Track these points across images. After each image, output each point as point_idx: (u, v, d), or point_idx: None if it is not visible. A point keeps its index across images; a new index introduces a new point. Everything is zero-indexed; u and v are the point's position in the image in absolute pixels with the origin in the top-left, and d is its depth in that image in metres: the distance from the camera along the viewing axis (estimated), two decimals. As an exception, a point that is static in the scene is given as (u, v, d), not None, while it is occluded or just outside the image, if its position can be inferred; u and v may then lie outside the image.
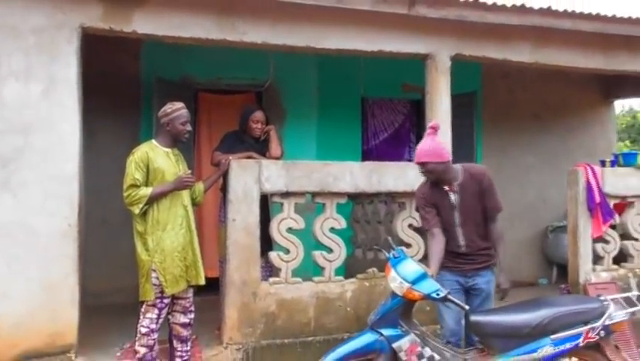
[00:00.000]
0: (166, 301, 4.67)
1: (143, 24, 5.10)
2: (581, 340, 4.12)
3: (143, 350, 4.65)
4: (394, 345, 4.12)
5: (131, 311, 6.08)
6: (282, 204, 5.51)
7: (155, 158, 4.66)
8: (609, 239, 6.79)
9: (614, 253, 6.83)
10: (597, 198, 6.55)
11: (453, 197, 4.52)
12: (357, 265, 6.36)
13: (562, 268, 7.20)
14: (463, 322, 4.48)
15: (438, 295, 4.06)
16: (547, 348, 4.11)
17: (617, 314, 4.17)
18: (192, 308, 4.87)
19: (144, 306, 4.67)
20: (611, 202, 6.73)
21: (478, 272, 4.54)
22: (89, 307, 5.57)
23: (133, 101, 7.39)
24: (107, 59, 6.82)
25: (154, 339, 4.67)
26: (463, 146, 7.74)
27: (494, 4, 5.88)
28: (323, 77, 8.13)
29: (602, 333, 4.14)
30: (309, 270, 5.71)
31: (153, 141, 4.81)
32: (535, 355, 4.11)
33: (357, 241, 7.23)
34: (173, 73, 7.31)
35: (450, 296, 4.07)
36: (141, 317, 4.67)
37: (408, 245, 5.88)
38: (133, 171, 4.59)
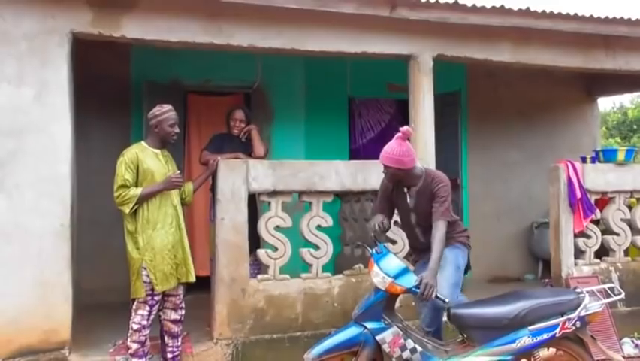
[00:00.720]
0: (157, 298, 4.81)
1: (132, 29, 5.23)
2: (557, 330, 4.25)
3: (135, 346, 4.80)
4: (378, 338, 4.25)
5: (123, 309, 6.20)
6: (269, 203, 5.65)
7: (145, 159, 4.80)
8: (591, 234, 6.93)
9: (596, 247, 6.98)
10: (578, 194, 6.69)
11: (409, 200, 4.75)
12: (345, 263, 6.48)
13: (547, 264, 7.32)
14: (443, 313, 4.65)
15: (414, 288, 4.21)
16: (525, 339, 4.23)
17: (592, 305, 4.31)
18: (182, 305, 5.02)
19: (135, 303, 4.81)
20: (592, 198, 6.86)
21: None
22: (81, 306, 5.69)
23: (123, 103, 7.51)
24: (97, 62, 6.92)
25: (145, 335, 4.82)
26: (448, 144, 7.90)
27: (475, 6, 5.99)
28: (310, 77, 8.25)
29: (578, 324, 4.28)
30: (296, 267, 5.85)
31: (143, 142, 4.96)
32: (513, 345, 4.23)
33: (346, 239, 7.35)
34: (162, 75, 7.42)
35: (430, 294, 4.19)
36: (133, 313, 4.82)
37: (393, 242, 6.02)
38: (123, 171, 4.73)
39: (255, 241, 5.71)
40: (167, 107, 4.96)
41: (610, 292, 4.63)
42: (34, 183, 4.92)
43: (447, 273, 4.61)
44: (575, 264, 6.78)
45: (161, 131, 4.92)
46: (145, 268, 4.74)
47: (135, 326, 4.78)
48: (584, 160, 7.29)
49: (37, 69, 4.96)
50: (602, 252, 7.12)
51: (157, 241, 4.77)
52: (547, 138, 9.43)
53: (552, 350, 4.59)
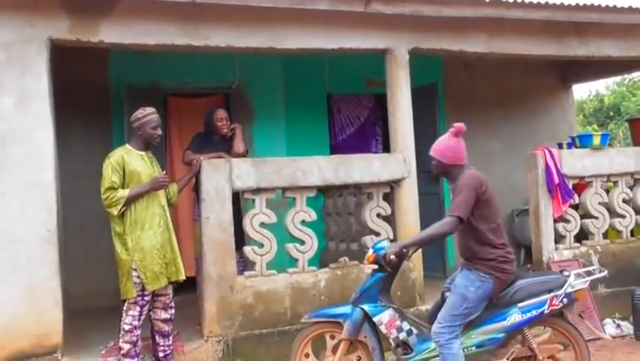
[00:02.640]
0: (147, 298, 4.88)
1: (110, 33, 5.27)
2: (545, 307, 4.43)
3: (127, 347, 4.87)
4: (375, 319, 4.49)
5: (111, 313, 6.30)
6: (253, 201, 5.73)
7: (131, 161, 4.88)
8: (570, 218, 7.06)
9: (575, 231, 7.10)
10: (556, 180, 6.81)
11: (452, 197, 4.61)
12: (330, 257, 6.59)
13: (529, 250, 7.43)
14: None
15: (380, 251, 4.47)
16: (515, 315, 4.42)
17: (576, 283, 4.51)
18: (172, 304, 5.10)
19: (126, 304, 4.88)
20: (570, 183, 6.99)
21: (462, 270, 4.61)
22: (71, 311, 5.73)
23: (103, 108, 7.55)
24: (76, 68, 6.93)
25: (137, 335, 4.89)
26: (427, 136, 7.98)
27: (448, -2, 6.12)
28: (288, 75, 8.34)
29: (565, 301, 4.47)
30: (283, 262, 5.93)
31: (127, 145, 5.04)
32: (505, 323, 4.42)
33: (330, 234, 7.46)
34: (142, 79, 7.47)
35: (389, 258, 4.37)
36: (124, 314, 4.88)
37: (377, 233, 6.11)
38: (110, 174, 4.80)
39: (241, 238, 5.78)
40: (149, 110, 5.03)
41: (592, 271, 4.80)
42: (19, 190, 4.96)
43: (448, 302, 4.45)
44: (556, 248, 6.91)
45: (144, 133, 4.99)
46: (135, 269, 4.80)
47: (127, 327, 4.84)
48: (560, 146, 7.42)
49: (17, 78, 5.00)
50: (582, 236, 7.26)
51: (146, 241, 4.84)
52: (525, 127, 9.57)
53: (546, 336, 4.74)
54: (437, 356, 4.41)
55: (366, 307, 4.54)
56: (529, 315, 4.43)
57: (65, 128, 6.30)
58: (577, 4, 6.63)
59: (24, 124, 5.00)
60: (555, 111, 10.03)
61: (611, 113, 21.61)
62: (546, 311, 4.45)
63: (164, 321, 5.05)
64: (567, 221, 7.06)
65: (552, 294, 4.45)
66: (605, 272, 4.79)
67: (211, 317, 5.48)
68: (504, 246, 4.45)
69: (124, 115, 7.13)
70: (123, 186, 4.85)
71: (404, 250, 4.43)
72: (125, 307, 4.89)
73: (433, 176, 4.94)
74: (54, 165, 5.12)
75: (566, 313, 4.62)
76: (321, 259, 6.67)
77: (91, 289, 6.97)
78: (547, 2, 6.49)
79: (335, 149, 8.74)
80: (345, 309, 4.63)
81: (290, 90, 8.39)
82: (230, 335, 5.51)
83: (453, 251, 8.64)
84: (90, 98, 7.34)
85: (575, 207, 7.20)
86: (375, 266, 4.65)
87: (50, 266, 5.04)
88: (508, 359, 4.48)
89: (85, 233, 7.08)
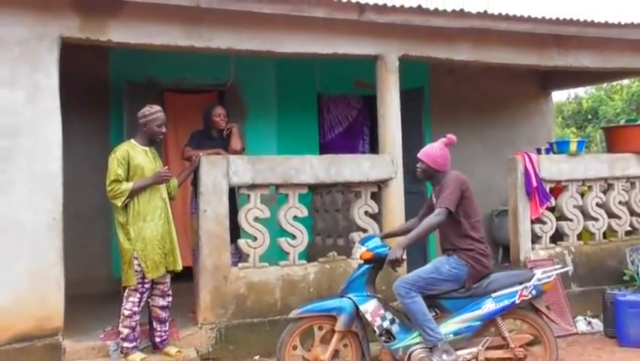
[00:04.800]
0: (147, 285, 5.16)
1: (117, 33, 5.52)
2: (517, 297, 4.86)
3: (126, 331, 5.16)
4: (361, 307, 4.85)
5: (105, 300, 6.59)
6: (248, 196, 6.02)
7: (135, 155, 5.16)
8: (546, 220, 7.37)
9: (551, 232, 7.42)
10: (534, 183, 7.12)
11: (434, 200, 5.11)
12: (317, 252, 6.86)
13: (507, 249, 7.70)
14: None
15: (385, 252, 4.90)
16: (489, 304, 4.84)
17: (543, 277, 4.96)
18: (170, 292, 5.39)
19: (127, 291, 5.16)
20: (547, 186, 7.31)
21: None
22: (66, 297, 5.93)
23: (102, 102, 7.80)
24: (77, 62, 7.11)
25: (136, 321, 5.18)
26: (412, 137, 8.29)
27: (437, 10, 6.37)
28: (281, 75, 8.62)
29: (534, 292, 4.91)
30: (274, 255, 6.22)
31: (132, 140, 5.31)
32: (480, 311, 4.83)
33: (317, 229, 7.74)
34: (139, 75, 7.71)
35: (401, 260, 4.77)
36: (124, 301, 5.17)
37: (364, 230, 6.42)
38: (115, 167, 5.08)
39: (236, 231, 6.06)
40: (156, 108, 5.31)
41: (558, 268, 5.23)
42: (27, 179, 5.19)
43: (422, 267, 5.00)
44: (532, 248, 7.22)
45: (149, 130, 5.27)
46: (136, 258, 5.09)
47: (127, 312, 5.13)
48: (539, 151, 7.73)
49: (29, 73, 5.23)
50: (557, 237, 7.58)
51: (147, 232, 5.12)
52: (505, 131, 9.90)
53: (524, 335, 5.10)
54: (418, 343, 4.80)
55: (353, 296, 4.90)
56: (501, 304, 4.84)
57: (64, 121, 6.52)
58: (557, 19, 6.92)
59: (34, 117, 5.23)
60: (535, 117, 10.39)
61: (589, 117, 21.87)
62: (517, 301, 4.87)
63: (162, 308, 5.34)
64: (543, 222, 7.36)
65: (522, 286, 4.88)
66: (569, 268, 5.23)
67: (205, 305, 5.77)
68: (482, 241, 4.96)
69: (123, 110, 7.39)
70: (127, 180, 5.13)
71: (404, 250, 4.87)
72: (125, 294, 5.17)
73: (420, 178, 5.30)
74: (61, 157, 5.35)
75: (535, 304, 5.01)
76: (309, 254, 6.97)
77: (85, 277, 7.20)
78: (529, 16, 6.79)
79: (324, 147, 9.03)
80: (337, 302, 4.94)
81: (282, 89, 8.68)
82: (223, 323, 5.79)
83: (434, 247, 8.99)
84: (90, 93, 7.56)
85: (552, 209, 7.49)
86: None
87: (54, 253, 5.28)
88: (482, 346, 4.86)
89: (80, 223, 7.27)
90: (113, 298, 6.24)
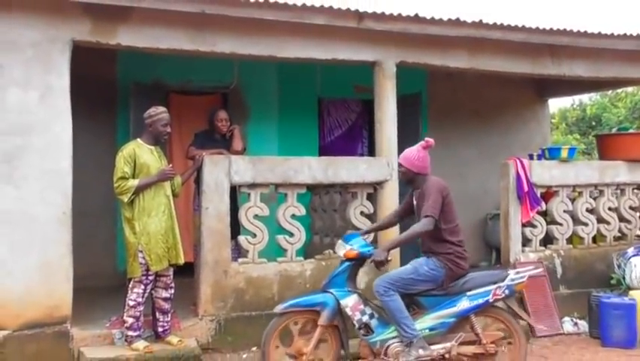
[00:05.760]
0: (151, 277, 5.43)
1: (126, 37, 5.78)
2: (490, 296, 5.12)
3: (130, 320, 5.43)
4: (342, 302, 5.10)
5: (109, 292, 6.83)
6: (249, 194, 6.28)
7: (141, 154, 5.43)
8: (536, 224, 7.60)
9: (541, 236, 7.65)
10: (525, 188, 7.35)
11: (414, 201, 5.37)
12: (315, 250, 7.09)
13: (500, 252, 7.87)
14: None
15: (369, 252, 5.17)
16: (464, 302, 5.10)
17: (516, 277, 5.22)
18: (172, 285, 5.65)
19: (132, 282, 5.43)
20: (539, 191, 7.54)
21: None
22: (73, 289, 6.19)
23: (109, 102, 8.04)
24: (86, 63, 7.33)
25: (140, 311, 5.45)
26: (409, 142, 8.49)
27: (433, 18, 6.57)
28: (283, 79, 8.85)
29: (507, 292, 5.18)
30: (273, 252, 6.48)
31: (139, 139, 5.58)
32: (455, 308, 5.08)
33: (315, 228, 7.96)
34: (146, 76, 7.94)
35: (375, 258, 5.04)
36: (129, 292, 5.44)
37: (360, 230, 6.62)
38: (122, 165, 5.35)
39: (236, 228, 6.32)
40: (161, 109, 5.58)
41: (530, 270, 5.50)
42: (39, 175, 5.45)
43: (402, 267, 5.29)
44: (523, 251, 7.46)
45: (154, 130, 5.54)
46: (141, 251, 5.35)
47: (131, 303, 5.40)
48: (531, 157, 7.98)
49: (41, 74, 5.49)
50: (547, 240, 7.81)
51: (151, 227, 5.39)
52: (501, 137, 10.06)
53: (496, 332, 5.38)
54: (395, 337, 5.06)
55: (334, 291, 5.16)
56: (476, 302, 5.10)
57: (73, 120, 6.75)
58: (551, 29, 7.12)
59: (46, 117, 5.49)
60: (531, 123, 10.56)
61: (593, 123, 21.79)
62: (491, 300, 5.14)
63: (165, 299, 5.60)
64: (534, 226, 7.59)
65: (496, 285, 5.14)
66: (541, 269, 5.46)
67: (206, 298, 6.03)
68: (461, 244, 5.21)
69: (129, 110, 7.63)
70: (133, 177, 5.40)
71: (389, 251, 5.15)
72: (130, 285, 5.45)
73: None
74: (71, 155, 5.61)
75: (507, 303, 5.29)
76: (307, 252, 7.19)
77: (90, 271, 7.40)
78: (524, 25, 6.97)
79: (324, 149, 9.25)
80: (321, 297, 5.20)
81: (283, 93, 8.90)
82: (222, 315, 6.05)
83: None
84: (97, 94, 7.77)
85: (543, 213, 7.72)
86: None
87: (64, 245, 5.54)
88: (456, 342, 5.10)
89: (86, 219, 7.43)
90: (117, 291, 6.51)
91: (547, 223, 7.74)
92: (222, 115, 6.84)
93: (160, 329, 5.64)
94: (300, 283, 6.32)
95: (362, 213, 6.71)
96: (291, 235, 6.42)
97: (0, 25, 5.42)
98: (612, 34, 7.48)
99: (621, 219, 8.13)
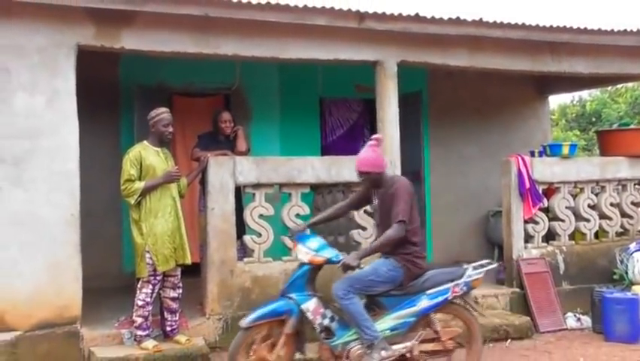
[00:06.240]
0: (158, 277, 5.50)
1: (130, 41, 5.85)
2: (449, 294, 5.12)
3: (139, 320, 5.50)
4: (302, 306, 4.97)
5: (116, 293, 6.89)
6: (253, 195, 6.36)
7: (147, 156, 5.51)
8: (538, 220, 7.64)
9: (543, 232, 7.70)
10: (527, 185, 7.41)
11: (375, 201, 5.33)
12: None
13: (502, 249, 7.93)
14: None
15: (337, 258, 5.05)
16: (424, 301, 5.08)
17: (473, 273, 5.22)
18: (180, 285, 5.72)
19: (140, 283, 5.51)
20: (540, 188, 7.59)
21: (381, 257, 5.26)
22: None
23: (112, 105, 8.10)
24: (90, 67, 7.40)
25: (149, 311, 5.53)
26: (411, 141, 8.60)
27: (434, 17, 6.63)
28: (284, 79, 8.90)
29: (465, 288, 5.19)
30: (278, 251, 6.56)
31: (145, 142, 5.66)
32: (415, 308, 5.06)
33: (319, 227, 8.01)
34: (149, 79, 7.99)
35: (347, 263, 4.90)
36: (138, 292, 5.52)
37: (363, 228, 6.74)
38: (128, 167, 5.44)
39: (241, 228, 6.39)
40: (162, 109, 5.66)
41: (485, 265, 5.43)
42: (47, 178, 5.54)
43: (361, 270, 5.05)
44: (525, 247, 7.51)
45: (157, 131, 5.62)
46: (148, 252, 5.43)
47: (140, 303, 5.48)
48: (532, 154, 8.01)
49: (48, 79, 5.59)
50: (550, 236, 7.86)
51: (158, 227, 5.47)
52: (502, 134, 10.07)
53: (454, 329, 5.38)
54: (356, 340, 4.97)
55: (294, 296, 5.01)
56: (435, 301, 5.09)
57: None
58: (551, 26, 7.16)
59: (53, 120, 5.58)
60: (531, 120, 10.57)
61: (593, 119, 21.66)
62: (449, 297, 5.14)
63: (173, 299, 5.67)
64: (536, 223, 7.63)
65: (454, 283, 5.14)
66: (495, 265, 5.52)
67: (213, 297, 6.11)
68: (418, 244, 5.16)
69: (133, 113, 7.70)
70: (140, 179, 5.47)
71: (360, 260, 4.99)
72: (139, 285, 5.53)
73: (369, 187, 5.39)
74: (78, 157, 5.69)
75: (465, 299, 5.30)
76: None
77: (96, 272, 7.45)
78: (523, 23, 7.03)
79: (325, 149, 9.31)
80: (285, 305, 5.00)
81: (285, 93, 8.96)
82: (229, 314, 6.12)
83: (432, 247, 9.30)
84: (101, 97, 7.81)
85: (545, 210, 7.76)
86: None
87: (72, 246, 5.64)
88: (417, 340, 5.08)
89: (91, 220, 7.47)
90: (123, 292, 6.59)
91: (550, 220, 7.78)
92: (226, 116, 6.92)
93: (168, 328, 5.71)
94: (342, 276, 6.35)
95: (365, 211, 6.77)
96: (296, 234, 6.47)
97: (7, 30, 5.51)
98: (612, 30, 7.52)
99: (623, 214, 8.16)
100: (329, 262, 5.08)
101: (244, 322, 4.95)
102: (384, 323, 5.03)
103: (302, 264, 5.13)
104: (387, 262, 5.08)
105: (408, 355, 5.06)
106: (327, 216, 5.72)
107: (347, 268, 4.92)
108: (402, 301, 5.07)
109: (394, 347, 4.98)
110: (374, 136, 5.27)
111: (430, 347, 5.17)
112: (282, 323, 4.97)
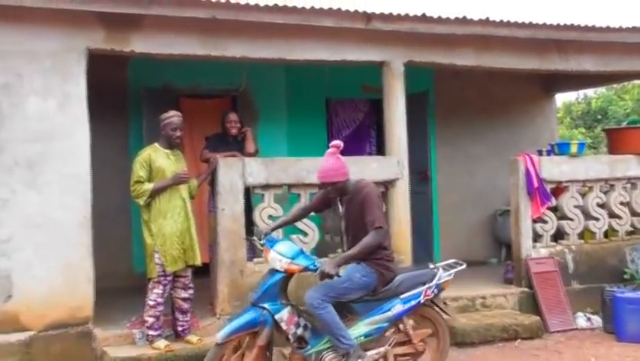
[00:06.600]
0: (169, 278, 5.57)
1: (139, 44, 5.92)
2: (422, 297, 5.08)
3: (151, 320, 5.57)
4: (277, 316, 4.79)
5: (127, 294, 6.91)
6: (262, 195, 6.40)
7: (157, 158, 5.57)
8: (547, 219, 7.63)
9: (552, 231, 7.68)
10: (535, 184, 7.40)
11: (341, 208, 5.12)
12: (326, 248, 7.15)
13: (510, 248, 7.95)
14: None
15: (315, 266, 4.80)
16: (398, 306, 5.00)
17: (443, 275, 5.21)
18: (191, 285, 5.78)
19: (151, 283, 5.58)
20: (548, 187, 7.57)
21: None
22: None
23: (121, 107, 8.15)
24: (98, 70, 7.44)
25: (160, 311, 5.59)
26: (418, 140, 8.59)
27: (440, 17, 6.66)
28: (291, 80, 8.93)
29: (436, 290, 5.16)
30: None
31: (156, 144, 5.73)
32: (389, 313, 4.98)
33: (327, 228, 8.03)
34: (156, 81, 8.05)
35: (326, 271, 4.64)
36: (149, 292, 5.59)
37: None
38: (138, 169, 5.52)
39: (251, 228, 6.41)
40: (172, 113, 5.72)
41: (454, 265, 5.42)
42: (59, 181, 5.61)
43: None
44: (534, 247, 7.50)
45: (165, 134, 5.71)
46: (157, 252, 5.51)
47: (151, 303, 5.54)
48: (540, 153, 7.99)
49: (59, 83, 5.66)
50: (558, 236, 7.84)
51: (167, 228, 5.54)
52: (509, 133, 10.08)
53: (424, 330, 5.34)
54: (329, 348, 4.84)
55: (268, 306, 4.79)
56: (409, 305, 5.03)
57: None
58: (558, 24, 7.18)
59: (65, 124, 5.66)
60: (538, 119, 10.58)
61: (599, 117, 21.48)
62: (422, 300, 5.09)
63: (184, 299, 5.73)
64: (545, 222, 7.62)
65: (426, 286, 5.10)
66: (464, 265, 5.41)
67: (223, 297, 6.16)
68: (388, 248, 5.08)
69: (141, 115, 7.75)
70: (150, 180, 5.54)
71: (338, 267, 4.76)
72: (150, 286, 5.59)
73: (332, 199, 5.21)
74: (89, 160, 5.77)
75: (435, 301, 5.25)
76: (318, 250, 7.28)
77: (106, 272, 7.49)
78: (530, 22, 7.04)
79: (332, 149, 9.30)
80: (259, 316, 4.79)
81: (292, 93, 8.99)
82: (239, 314, 6.16)
83: (439, 247, 9.30)
84: (110, 100, 7.84)
85: (553, 209, 7.74)
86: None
87: (85, 248, 5.71)
88: (390, 345, 5.04)
89: (101, 222, 7.50)
90: (134, 292, 6.62)
91: (558, 219, 7.76)
92: (233, 117, 6.97)
93: (180, 328, 5.77)
94: (313, 282, 6.38)
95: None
96: (305, 234, 6.53)
97: (19, 36, 5.58)
98: (620, 27, 7.51)
99: (633, 213, 8.12)
100: (306, 270, 4.85)
101: (219, 337, 4.70)
102: (358, 330, 4.91)
103: (274, 271, 4.89)
104: (360, 268, 4.92)
105: (381, 360, 5.02)
106: (288, 219, 5.67)
107: (325, 276, 4.67)
108: (375, 306, 4.98)
109: (369, 353, 4.91)
110: (333, 143, 5.06)
111: (402, 350, 5.13)
112: (253, 333, 4.80)
